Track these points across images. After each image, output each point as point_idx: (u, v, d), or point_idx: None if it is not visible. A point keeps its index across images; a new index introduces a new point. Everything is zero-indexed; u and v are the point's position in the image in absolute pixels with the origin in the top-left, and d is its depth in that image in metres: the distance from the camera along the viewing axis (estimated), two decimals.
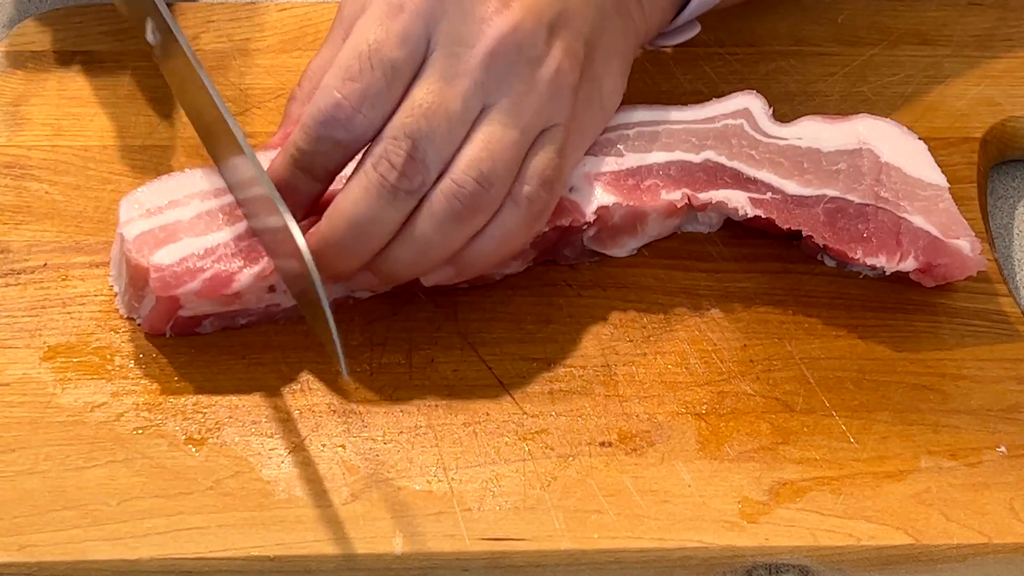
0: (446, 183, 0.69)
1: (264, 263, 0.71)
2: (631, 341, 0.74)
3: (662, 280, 0.76)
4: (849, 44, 0.85)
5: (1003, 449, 0.71)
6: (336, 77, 0.69)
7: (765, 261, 0.77)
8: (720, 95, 0.79)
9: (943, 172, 0.77)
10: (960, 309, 0.76)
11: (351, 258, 0.70)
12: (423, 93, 0.69)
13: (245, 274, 0.70)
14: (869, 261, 0.74)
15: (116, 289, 0.74)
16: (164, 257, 0.70)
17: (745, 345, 0.74)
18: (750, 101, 0.78)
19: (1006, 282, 0.77)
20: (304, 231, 0.68)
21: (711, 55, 0.86)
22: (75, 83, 0.84)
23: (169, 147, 0.81)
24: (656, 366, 0.73)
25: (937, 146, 0.80)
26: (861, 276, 0.77)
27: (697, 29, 0.82)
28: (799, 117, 0.78)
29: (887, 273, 0.75)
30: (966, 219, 0.76)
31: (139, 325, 0.73)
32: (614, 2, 0.75)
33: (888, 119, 0.78)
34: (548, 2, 0.71)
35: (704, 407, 0.72)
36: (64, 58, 0.85)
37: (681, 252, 0.76)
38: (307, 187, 0.71)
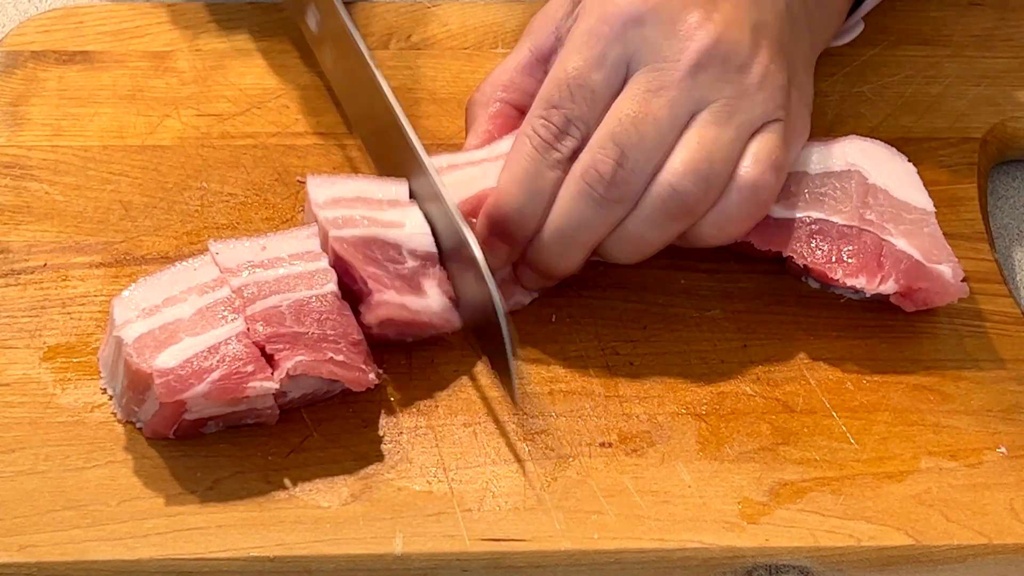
0: (662, 185, 0.69)
1: (288, 364, 0.68)
2: (631, 341, 0.74)
3: (662, 280, 0.76)
4: (849, 44, 0.85)
5: (1003, 450, 0.71)
6: (540, 107, 0.71)
7: (765, 262, 0.77)
8: None
9: (943, 171, 0.76)
10: (960, 309, 0.76)
11: (566, 263, 0.71)
12: (628, 104, 0.70)
13: (258, 382, 0.67)
14: (849, 282, 0.73)
15: (110, 392, 0.71)
16: (168, 360, 0.67)
17: (745, 345, 0.74)
18: None
19: (1006, 282, 0.77)
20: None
21: None
22: (75, 83, 0.84)
23: (169, 147, 0.81)
24: (656, 366, 0.73)
25: (937, 146, 0.80)
26: (843, 300, 0.76)
27: (861, 27, 0.83)
28: None
29: (867, 295, 0.75)
30: (966, 219, 0.76)
31: (139, 429, 0.70)
32: (804, 14, 0.75)
33: (878, 141, 0.76)
34: (747, 10, 0.71)
35: (704, 407, 0.72)
36: (64, 58, 0.85)
37: (681, 252, 0.76)
38: (523, 232, 0.71)
